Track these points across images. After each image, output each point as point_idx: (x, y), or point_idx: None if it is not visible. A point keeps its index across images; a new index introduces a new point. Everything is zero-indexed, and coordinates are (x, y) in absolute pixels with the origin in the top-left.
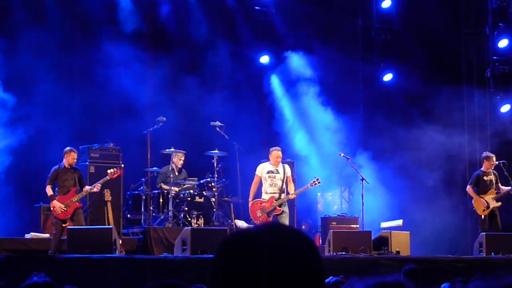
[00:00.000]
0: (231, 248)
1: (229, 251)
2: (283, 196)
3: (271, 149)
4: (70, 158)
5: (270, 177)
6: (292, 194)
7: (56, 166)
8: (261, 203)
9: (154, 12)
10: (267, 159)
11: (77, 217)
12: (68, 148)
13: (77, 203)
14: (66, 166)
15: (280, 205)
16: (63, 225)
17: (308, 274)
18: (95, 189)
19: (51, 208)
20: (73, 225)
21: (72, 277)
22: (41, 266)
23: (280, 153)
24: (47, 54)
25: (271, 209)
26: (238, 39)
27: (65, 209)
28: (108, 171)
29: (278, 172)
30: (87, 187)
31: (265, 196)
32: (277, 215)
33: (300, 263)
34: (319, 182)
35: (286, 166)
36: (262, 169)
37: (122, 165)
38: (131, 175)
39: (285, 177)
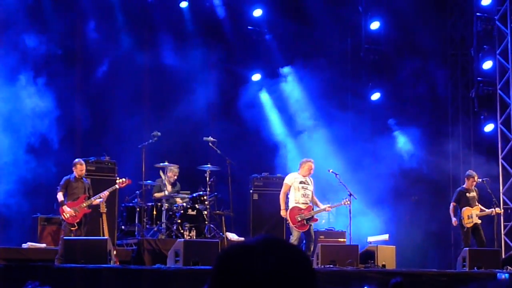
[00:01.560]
0: (227, 261)
1: (225, 264)
2: (320, 207)
3: (304, 160)
4: (77, 170)
5: (303, 187)
6: (329, 206)
7: (68, 176)
8: (299, 209)
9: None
10: (259, 174)
11: (82, 225)
12: (76, 160)
13: (86, 209)
14: (77, 177)
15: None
16: (72, 228)
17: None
18: (99, 200)
19: (61, 214)
20: (78, 232)
21: (68, 287)
22: (38, 275)
23: (313, 165)
24: None
25: (309, 217)
26: (231, 58)
27: (74, 214)
28: (117, 180)
29: (309, 184)
30: (95, 197)
31: (296, 206)
32: (310, 224)
33: (294, 277)
34: (349, 202)
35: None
36: (294, 178)
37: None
38: (126, 188)
39: (313, 189)
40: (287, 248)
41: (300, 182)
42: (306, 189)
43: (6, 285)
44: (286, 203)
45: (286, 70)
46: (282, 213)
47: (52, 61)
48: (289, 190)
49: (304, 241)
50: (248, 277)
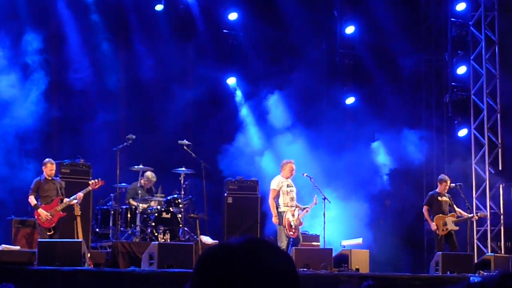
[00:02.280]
0: (207, 263)
1: (205, 266)
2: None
3: (284, 161)
4: (47, 169)
5: (291, 191)
6: (307, 208)
7: (38, 178)
8: (292, 215)
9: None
10: (233, 177)
11: (57, 229)
12: (46, 160)
13: (61, 212)
14: (47, 177)
15: None
16: (48, 233)
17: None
18: (75, 201)
19: (36, 217)
20: (54, 236)
21: None
22: (12, 277)
23: (294, 165)
24: None
25: (297, 223)
26: (206, 61)
27: (50, 217)
28: (90, 182)
29: (293, 186)
30: (67, 199)
31: (285, 209)
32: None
33: (276, 278)
34: (316, 201)
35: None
36: (281, 182)
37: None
38: (100, 190)
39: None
40: (270, 249)
41: (288, 186)
42: (292, 191)
43: None
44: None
45: (261, 74)
46: (274, 220)
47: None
48: (277, 195)
49: (290, 246)
50: (228, 279)
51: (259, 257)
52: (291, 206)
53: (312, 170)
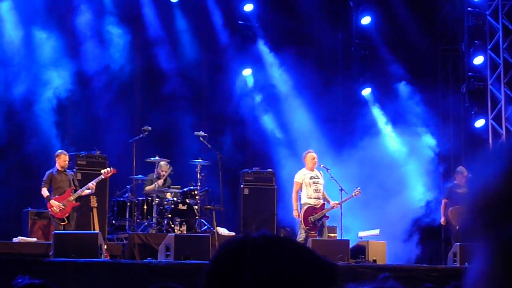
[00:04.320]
0: (220, 257)
1: (218, 261)
2: (332, 203)
3: (304, 153)
4: (61, 160)
5: (314, 182)
6: (336, 204)
7: (50, 170)
8: (313, 210)
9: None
10: (249, 169)
11: (71, 219)
12: (58, 151)
13: (74, 202)
14: (59, 169)
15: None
16: (62, 223)
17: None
18: (88, 191)
19: (49, 209)
20: (67, 226)
21: (58, 280)
22: (28, 269)
23: (315, 154)
24: None
25: (320, 216)
26: (221, 52)
27: (63, 207)
28: (102, 170)
29: (319, 178)
30: (82, 188)
31: (309, 201)
32: (323, 221)
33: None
34: (359, 192)
35: (326, 172)
36: (304, 175)
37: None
38: (116, 182)
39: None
40: (288, 243)
41: (311, 178)
42: (317, 183)
43: None
44: (298, 200)
45: (276, 65)
46: (294, 213)
47: None
48: (301, 188)
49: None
50: (243, 274)
51: (276, 252)
52: (315, 198)
53: (329, 162)
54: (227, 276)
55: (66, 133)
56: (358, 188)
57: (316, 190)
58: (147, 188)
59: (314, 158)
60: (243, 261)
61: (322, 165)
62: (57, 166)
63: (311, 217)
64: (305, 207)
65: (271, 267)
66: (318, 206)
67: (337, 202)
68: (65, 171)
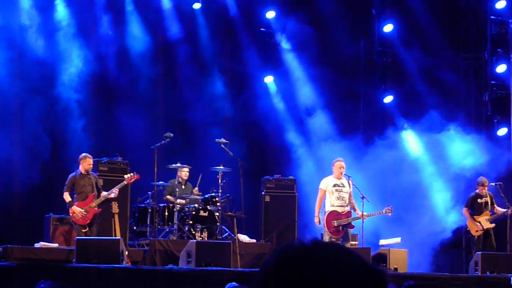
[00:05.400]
0: (280, 265)
1: (271, 268)
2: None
3: (334, 160)
4: (86, 164)
5: (337, 190)
6: (364, 215)
7: (73, 173)
8: (338, 214)
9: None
10: (271, 176)
11: (92, 226)
12: (83, 154)
13: (96, 208)
14: (83, 173)
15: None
16: (83, 230)
17: None
18: (112, 195)
19: (71, 214)
20: (88, 233)
21: (80, 286)
22: (51, 274)
23: (343, 163)
24: None
25: (346, 223)
26: (243, 59)
27: (85, 213)
28: (126, 176)
29: (344, 186)
30: (104, 193)
31: (332, 209)
32: (347, 229)
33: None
34: (391, 211)
35: (348, 180)
36: (328, 182)
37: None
38: (138, 188)
39: (350, 191)
40: (345, 252)
41: (334, 185)
42: (341, 191)
43: (19, 284)
44: (322, 207)
45: (299, 73)
46: (315, 219)
47: None
48: (325, 195)
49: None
50: (301, 282)
51: (333, 260)
52: (339, 206)
53: (350, 170)
54: (281, 282)
55: (87, 139)
56: (390, 206)
57: (339, 198)
58: (169, 197)
59: (341, 167)
60: (296, 268)
61: (344, 173)
62: (81, 169)
63: (335, 221)
64: (328, 211)
65: (323, 274)
66: (343, 213)
67: (365, 214)
68: (89, 174)
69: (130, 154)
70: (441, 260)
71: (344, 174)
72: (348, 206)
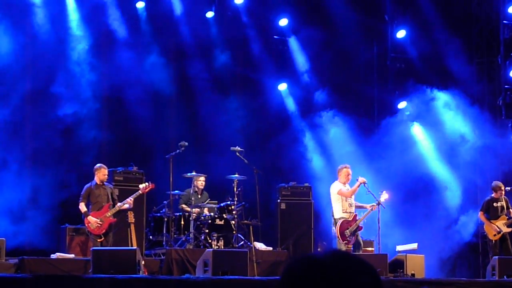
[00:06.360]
0: (296, 274)
1: (294, 278)
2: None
3: (340, 166)
4: (100, 174)
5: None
6: (373, 206)
7: (88, 184)
8: (347, 223)
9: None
10: (286, 183)
11: (108, 235)
12: (98, 165)
13: (111, 218)
14: (98, 183)
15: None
16: (99, 240)
17: None
18: (126, 205)
19: (86, 225)
20: (104, 243)
21: None
22: (67, 285)
23: (350, 170)
24: None
25: (355, 228)
26: (256, 66)
27: (100, 223)
28: (140, 185)
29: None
30: (119, 203)
31: (344, 215)
32: (357, 233)
33: None
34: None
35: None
36: (341, 188)
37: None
38: (153, 198)
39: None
40: (355, 260)
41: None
42: (351, 197)
43: None
44: (332, 212)
45: (312, 79)
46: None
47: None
48: (337, 199)
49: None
50: None
51: (348, 272)
52: (350, 213)
53: (365, 175)
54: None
55: (102, 149)
56: (384, 191)
57: (351, 205)
58: (184, 206)
59: (349, 174)
60: (314, 280)
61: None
62: (96, 180)
63: (347, 230)
64: (339, 222)
65: (341, 285)
66: (351, 219)
67: (374, 204)
68: (104, 184)
69: (145, 163)
70: (458, 265)
71: (365, 185)
72: (353, 208)
